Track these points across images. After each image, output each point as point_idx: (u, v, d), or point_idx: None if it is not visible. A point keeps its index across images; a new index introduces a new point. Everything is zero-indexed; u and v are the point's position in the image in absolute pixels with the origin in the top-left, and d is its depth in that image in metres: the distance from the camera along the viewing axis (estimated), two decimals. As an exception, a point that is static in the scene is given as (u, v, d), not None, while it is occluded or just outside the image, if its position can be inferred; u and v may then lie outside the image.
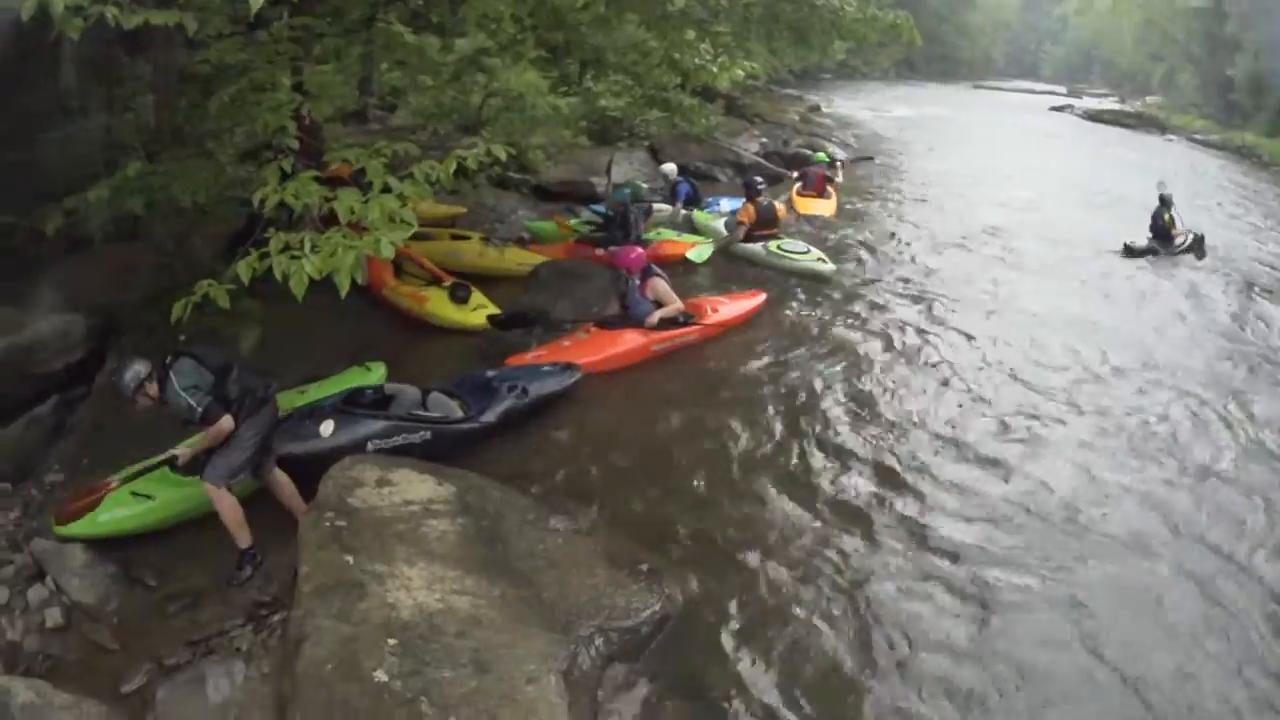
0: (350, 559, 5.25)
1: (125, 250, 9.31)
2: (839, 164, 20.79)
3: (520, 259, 12.40)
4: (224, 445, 6.19)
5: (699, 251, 13.67)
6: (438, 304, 10.51)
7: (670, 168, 17.05)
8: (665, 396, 9.08)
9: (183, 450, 6.28)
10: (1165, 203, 16.03)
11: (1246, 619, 6.09)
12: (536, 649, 4.85)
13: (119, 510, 6.41)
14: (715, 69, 14.42)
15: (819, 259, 13.33)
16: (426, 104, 16.19)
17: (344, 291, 5.68)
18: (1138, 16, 58.91)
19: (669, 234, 14.54)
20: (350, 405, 7.21)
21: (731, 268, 13.58)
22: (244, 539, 6.25)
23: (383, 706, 4.33)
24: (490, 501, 6.39)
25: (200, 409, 6.04)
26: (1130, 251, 15.65)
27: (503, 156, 6.95)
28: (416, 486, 6.26)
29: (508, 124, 16.18)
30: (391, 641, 4.68)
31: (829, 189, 18.53)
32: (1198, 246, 15.77)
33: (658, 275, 10.17)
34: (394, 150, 6.86)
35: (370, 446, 6.84)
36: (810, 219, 16.69)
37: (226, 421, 6.12)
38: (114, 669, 5.49)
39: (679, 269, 12.65)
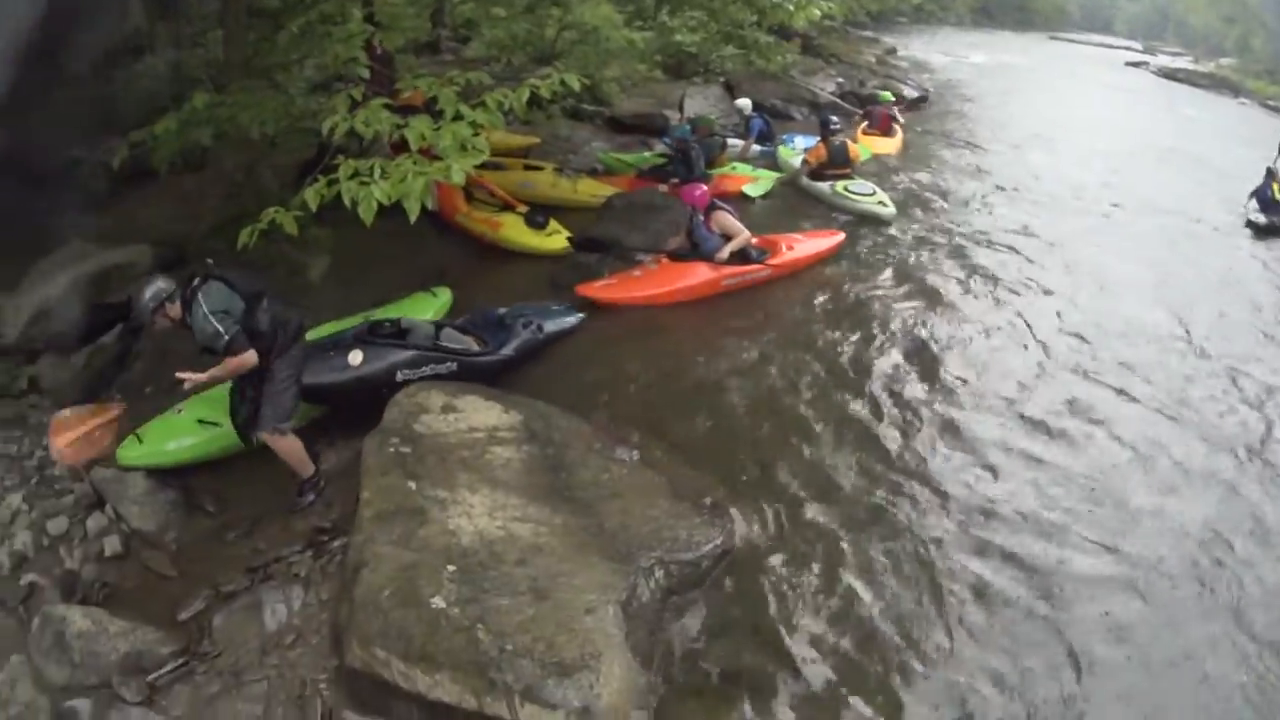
0: (413, 485, 5.27)
1: (193, 181, 9.38)
2: (897, 107, 20.24)
3: (593, 190, 12.29)
4: (264, 393, 5.93)
5: (756, 186, 13.60)
6: (514, 229, 10.49)
7: (745, 103, 16.83)
8: (735, 332, 8.97)
9: (191, 377, 5.63)
10: (1274, 175, 15.48)
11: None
12: (596, 579, 4.82)
13: (185, 439, 6.36)
14: (791, 7, 14.24)
15: (880, 202, 13.11)
16: (500, 36, 15.99)
17: (413, 217, 5.64)
18: None
19: (743, 168, 14.46)
20: (373, 335, 7.10)
21: (802, 205, 13.41)
22: (306, 470, 6.21)
23: (439, 633, 4.35)
24: (556, 430, 6.35)
25: (227, 336, 5.67)
26: (1253, 226, 15.15)
27: (576, 86, 6.86)
28: (483, 413, 6.26)
29: (582, 56, 15.96)
30: (450, 568, 4.69)
31: (894, 128, 18.28)
32: None
33: (723, 209, 10.07)
34: (467, 79, 6.80)
35: (399, 376, 6.75)
36: (879, 159, 16.37)
37: (250, 356, 5.77)
38: (172, 596, 5.48)
39: (751, 205, 12.60)
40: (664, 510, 5.71)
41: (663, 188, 12.49)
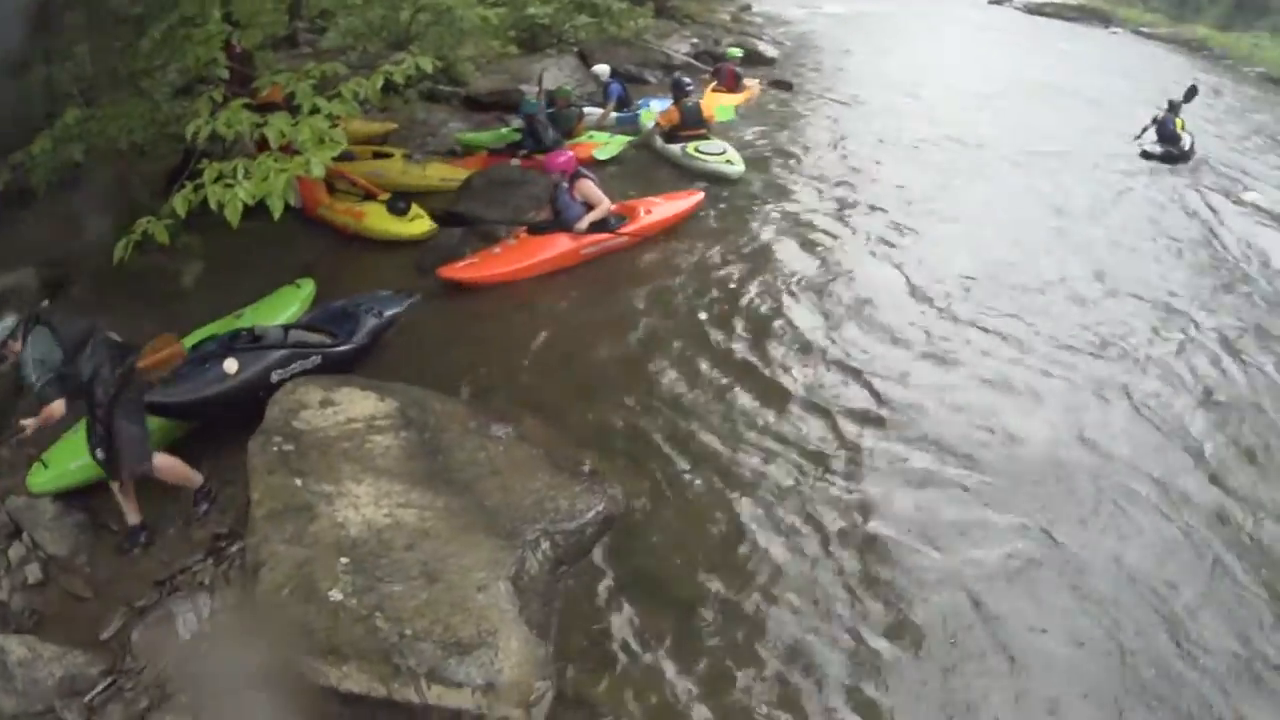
0: (299, 481, 5.40)
1: (70, 199, 9.22)
2: (755, 84, 20.33)
3: (443, 174, 12.37)
4: (115, 439, 5.72)
5: (605, 150, 13.82)
6: (376, 218, 10.54)
7: (602, 69, 16.99)
8: (598, 300, 9.28)
9: (28, 424, 5.64)
10: (1175, 108, 16.40)
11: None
12: (484, 557, 5.04)
13: (87, 457, 6.16)
14: (643, -29, 14.35)
15: (727, 160, 13.33)
16: (356, 24, 15.83)
17: (276, 214, 5.75)
18: None
19: (600, 136, 14.63)
20: (236, 343, 7.17)
21: (662, 168, 13.70)
22: (194, 482, 6.25)
23: (340, 625, 4.51)
24: (431, 413, 6.49)
25: (37, 386, 5.56)
26: (1147, 156, 16.03)
27: (429, 69, 7.05)
28: (359, 404, 6.36)
29: (437, 38, 15.86)
30: (344, 560, 4.85)
31: (742, 84, 18.70)
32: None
33: (586, 177, 10.26)
34: (322, 71, 6.88)
35: (274, 377, 6.85)
36: (741, 116, 16.77)
37: (57, 408, 5.56)
38: (92, 616, 5.57)
39: (609, 170, 12.90)
40: (543, 482, 5.94)
41: (514, 161, 12.70)
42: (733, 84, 18.54)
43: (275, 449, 5.70)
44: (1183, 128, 16.30)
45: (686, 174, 13.22)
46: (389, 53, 15.30)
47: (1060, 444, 7.31)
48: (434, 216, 10.46)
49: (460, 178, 12.01)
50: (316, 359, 7.21)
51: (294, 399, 6.24)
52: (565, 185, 10.13)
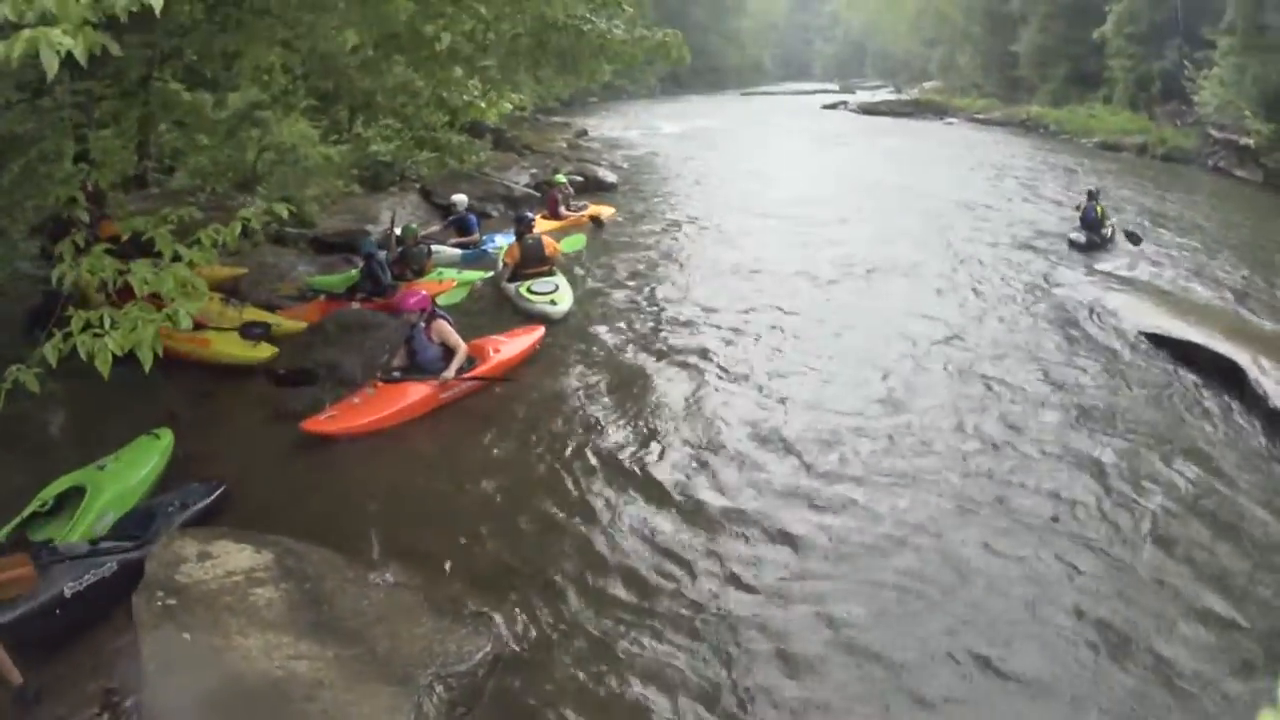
0: (188, 636, 5.36)
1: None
2: (587, 210, 21.07)
3: (259, 317, 11.89)
4: None
5: (449, 295, 13.78)
6: (223, 343, 10.50)
7: (460, 199, 17.65)
8: (456, 441, 9.42)
9: None
10: (1094, 196, 17.52)
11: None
12: (383, 704, 5.09)
13: None
14: (484, 104, 14.82)
15: (551, 301, 13.36)
16: (204, 164, 15.93)
17: (147, 366, 5.74)
18: (913, 4, 61.13)
19: (450, 273, 14.88)
20: (36, 561, 6.43)
21: (505, 305, 14.03)
22: (15, 677, 5.64)
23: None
24: (309, 563, 6.51)
25: None
26: (1073, 245, 17.13)
27: (285, 214, 7.16)
28: (236, 556, 6.35)
29: (282, 178, 16.11)
30: (244, 714, 4.84)
31: (569, 209, 19.89)
32: (1130, 236, 17.25)
33: (442, 317, 10.28)
34: (179, 216, 6.94)
35: (67, 592, 6.34)
36: (588, 244, 17.31)
37: None
38: None
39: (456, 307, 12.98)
40: (429, 627, 6.02)
41: (354, 305, 12.72)
42: (553, 210, 19.57)
43: (159, 603, 5.65)
44: (1103, 215, 17.36)
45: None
46: (235, 193, 15.41)
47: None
48: (275, 377, 10.09)
49: (284, 325, 12.01)
50: (112, 566, 6.68)
51: (171, 552, 6.20)
52: (421, 326, 10.13)
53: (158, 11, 4.16)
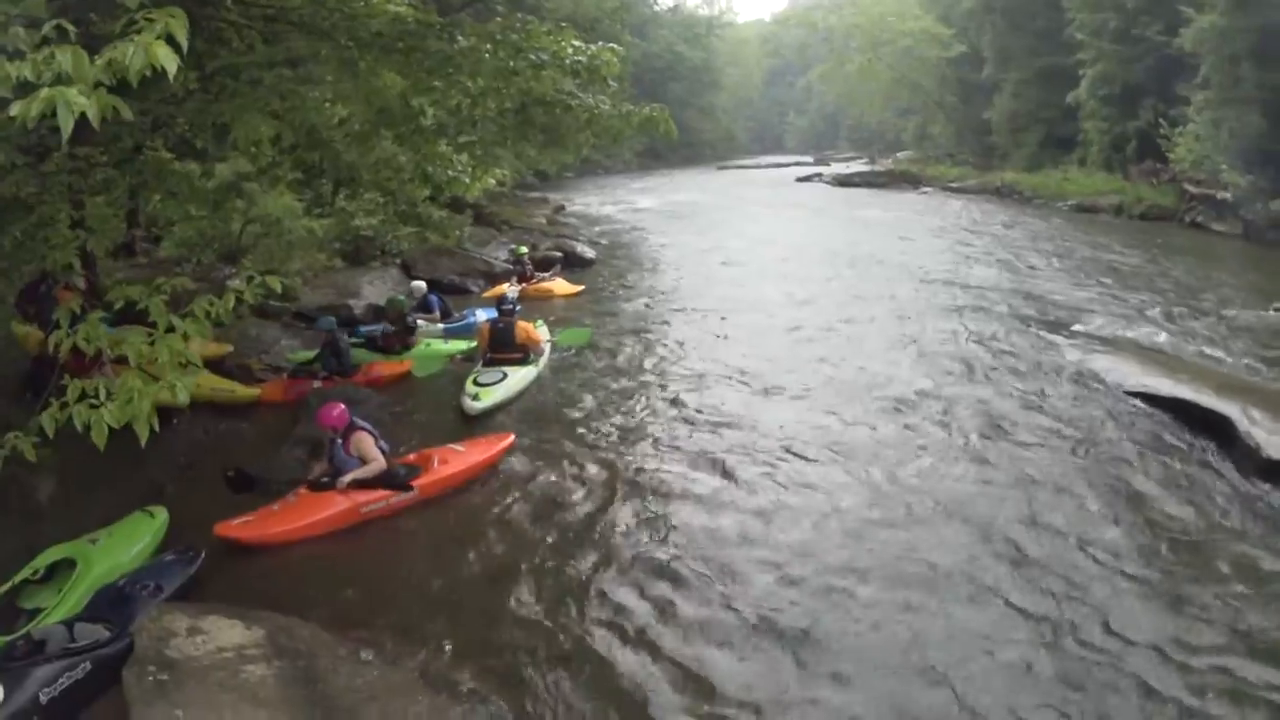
0: (180, 713, 5.21)
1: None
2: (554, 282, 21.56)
3: (214, 384, 11.72)
4: None
5: (422, 365, 13.61)
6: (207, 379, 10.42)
7: (419, 285, 17.61)
8: (442, 520, 9.26)
9: None
10: None
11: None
12: (383, 784, 4.95)
13: None
14: (467, 180, 14.88)
15: (474, 395, 12.39)
16: (190, 234, 15.93)
17: (144, 440, 5.65)
18: (886, 76, 61.70)
19: (437, 344, 14.96)
20: (7, 661, 6.35)
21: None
22: None
23: None
24: (300, 640, 6.39)
25: None
26: None
27: (278, 289, 7.05)
28: (227, 632, 6.22)
29: (266, 250, 16.12)
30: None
31: (514, 281, 20.22)
32: None
33: (363, 429, 9.47)
34: (172, 285, 6.87)
35: (43, 698, 6.04)
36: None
37: None
38: None
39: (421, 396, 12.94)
40: (425, 705, 5.94)
41: (316, 383, 12.56)
42: (527, 278, 20.46)
43: (151, 679, 5.49)
44: None
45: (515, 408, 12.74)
46: (221, 264, 15.38)
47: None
48: (225, 476, 9.37)
49: (235, 392, 12.07)
50: (86, 665, 6.33)
51: (161, 626, 6.07)
52: (339, 441, 9.39)
53: (171, 75, 4.14)
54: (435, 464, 9.90)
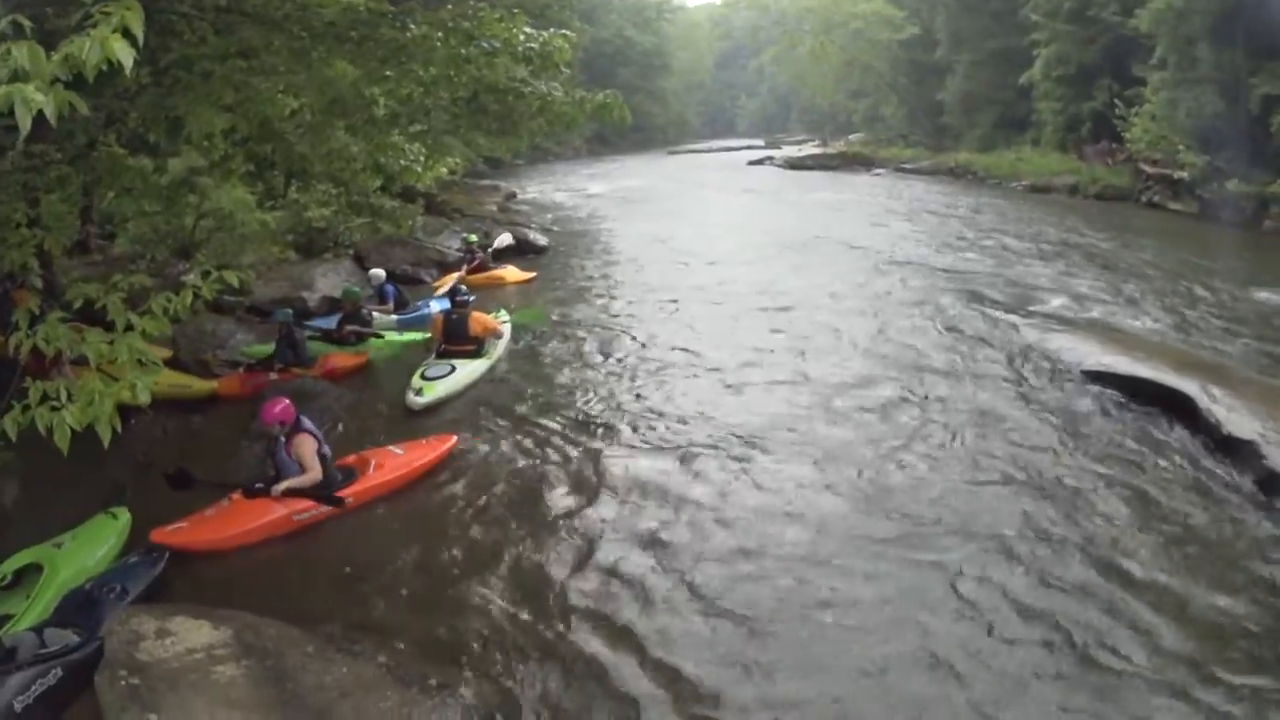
0: (154, 716, 5.19)
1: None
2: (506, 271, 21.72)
3: (172, 380, 11.51)
4: None
5: (380, 352, 13.67)
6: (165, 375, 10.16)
7: (378, 273, 17.46)
8: (408, 512, 9.24)
9: None
10: None
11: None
12: (357, 781, 4.94)
13: None
14: (419, 169, 14.77)
15: (418, 390, 12.17)
16: (145, 230, 15.75)
17: (106, 441, 5.64)
18: (838, 58, 61.31)
19: (391, 335, 14.94)
20: None
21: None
22: None
23: None
24: (267, 639, 6.35)
25: None
26: None
27: (235, 283, 7.07)
28: (195, 632, 6.17)
29: (219, 245, 15.95)
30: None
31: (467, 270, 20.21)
32: None
33: (305, 432, 9.14)
34: (130, 284, 6.80)
35: (17, 706, 5.99)
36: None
37: None
38: None
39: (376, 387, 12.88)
40: (395, 701, 5.90)
41: (272, 375, 12.51)
42: (480, 267, 20.62)
43: (123, 683, 5.45)
44: None
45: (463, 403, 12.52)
46: (175, 260, 15.20)
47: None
48: (165, 476, 9.19)
49: (192, 386, 12.02)
50: (58, 671, 6.27)
51: (129, 629, 6.02)
52: (283, 440, 9.09)
53: (127, 69, 4.09)
54: (371, 468, 9.63)
